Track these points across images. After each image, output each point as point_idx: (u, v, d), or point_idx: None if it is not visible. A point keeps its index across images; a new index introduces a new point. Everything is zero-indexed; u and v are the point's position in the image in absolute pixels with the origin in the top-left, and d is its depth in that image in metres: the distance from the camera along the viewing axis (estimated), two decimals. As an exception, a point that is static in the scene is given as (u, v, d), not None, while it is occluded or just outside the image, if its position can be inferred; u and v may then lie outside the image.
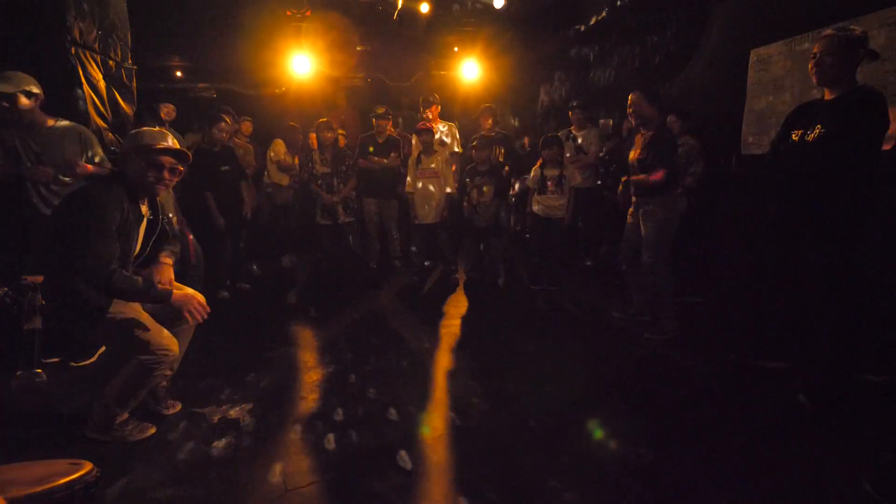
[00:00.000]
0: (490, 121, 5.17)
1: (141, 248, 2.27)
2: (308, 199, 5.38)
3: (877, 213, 2.54)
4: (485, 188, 4.62)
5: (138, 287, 2.01)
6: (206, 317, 2.19)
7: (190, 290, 2.23)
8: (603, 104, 5.87)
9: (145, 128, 2.24)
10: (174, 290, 2.15)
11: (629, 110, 3.35)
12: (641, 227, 3.37)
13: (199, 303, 2.18)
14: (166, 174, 2.14)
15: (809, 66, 2.36)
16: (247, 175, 4.80)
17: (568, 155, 4.91)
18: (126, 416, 2.21)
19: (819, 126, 2.32)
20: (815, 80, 2.37)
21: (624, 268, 3.62)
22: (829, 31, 2.31)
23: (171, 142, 2.18)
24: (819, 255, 2.39)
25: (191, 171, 4.44)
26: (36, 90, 2.82)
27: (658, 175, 3.20)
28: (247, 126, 5.79)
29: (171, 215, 2.52)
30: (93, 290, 1.96)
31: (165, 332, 2.19)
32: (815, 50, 2.33)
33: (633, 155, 3.42)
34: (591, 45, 6.19)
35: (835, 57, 2.25)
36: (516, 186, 5.65)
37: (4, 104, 2.75)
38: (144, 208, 2.22)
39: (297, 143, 5.51)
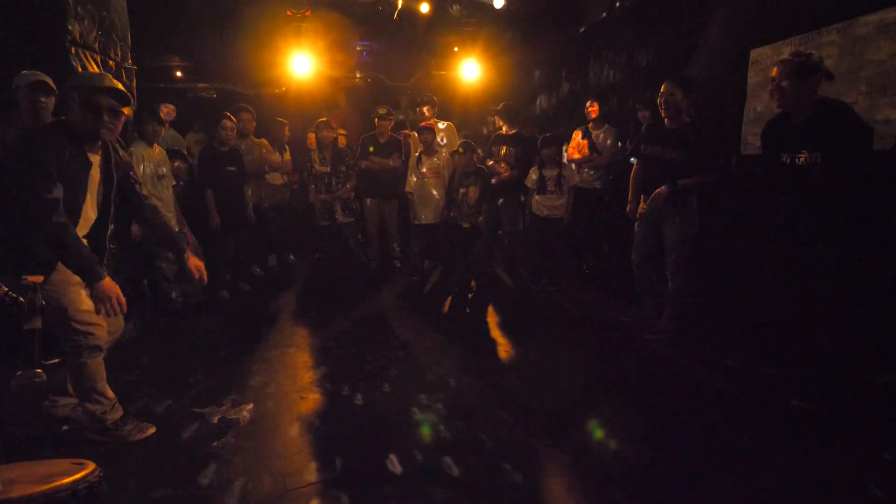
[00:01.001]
0: (502, 122, 5.09)
1: (103, 204, 2.17)
2: (307, 199, 5.38)
3: (877, 213, 2.54)
4: (470, 188, 4.63)
5: (80, 250, 1.92)
6: (115, 314, 2.04)
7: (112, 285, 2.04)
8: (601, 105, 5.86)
9: (84, 71, 2.13)
10: (106, 279, 2.00)
11: (660, 100, 3.19)
12: (665, 235, 3.28)
13: (117, 301, 2.01)
14: (106, 117, 2.03)
15: (769, 89, 2.43)
16: (248, 177, 4.79)
17: (585, 152, 4.82)
18: (119, 414, 2.21)
19: (805, 151, 2.36)
20: (775, 105, 2.44)
21: (636, 272, 3.56)
22: (785, 57, 2.38)
23: (112, 82, 2.07)
24: (820, 256, 2.39)
25: (198, 171, 4.49)
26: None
27: (712, 176, 3.09)
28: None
29: (137, 175, 2.39)
30: (40, 239, 1.88)
31: (86, 307, 2.06)
32: (773, 74, 2.40)
33: (663, 154, 3.22)
34: (590, 46, 6.18)
35: (791, 81, 2.32)
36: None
37: (41, 98, 2.74)
38: (95, 157, 2.11)
39: (283, 140, 5.44)
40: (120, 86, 2.10)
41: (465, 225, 4.69)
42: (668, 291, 3.38)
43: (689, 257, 3.25)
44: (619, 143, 4.87)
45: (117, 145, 2.27)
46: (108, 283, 1.99)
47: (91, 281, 1.97)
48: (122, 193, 2.28)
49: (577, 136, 4.94)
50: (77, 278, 2.05)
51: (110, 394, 2.21)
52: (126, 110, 2.13)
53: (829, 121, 2.28)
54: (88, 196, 2.10)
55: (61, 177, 1.94)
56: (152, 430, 2.26)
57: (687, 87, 3.11)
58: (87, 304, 2.08)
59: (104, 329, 2.15)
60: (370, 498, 1.84)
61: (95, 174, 2.13)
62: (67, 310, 2.01)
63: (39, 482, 1.36)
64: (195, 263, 2.38)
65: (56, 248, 1.90)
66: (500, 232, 5.24)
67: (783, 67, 2.34)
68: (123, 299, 2.05)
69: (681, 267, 3.26)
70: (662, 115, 3.24)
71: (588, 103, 4.91)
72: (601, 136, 4.84)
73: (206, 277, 2.40)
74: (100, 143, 2.16)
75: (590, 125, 4.92)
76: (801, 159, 2.38)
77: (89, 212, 2.13)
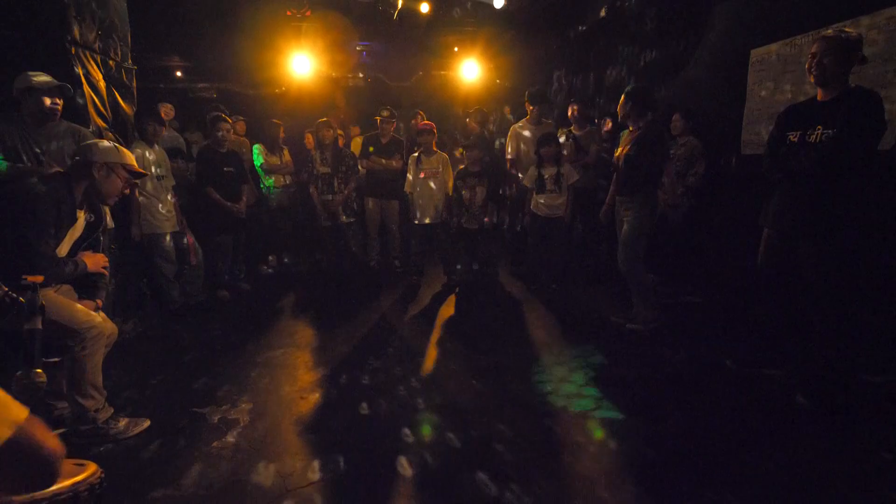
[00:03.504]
0: (475, 125, 5.29)
1: (69, 251, 2.30)
2: (308, 199, 5.38)
3: (877, 213, 2.54)
4: (477, 188, 4.61)
5: (61, 276, 2.16)
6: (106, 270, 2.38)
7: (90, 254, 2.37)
8: (602, 104, 5.87)
9: (100, 140, 2.33)
10: (85, 259, 2.29)
11: (619, 111, 3.45)
12: (625, 223, 3.46)
13: (102, 260, 2.35)
14: (126, 190, 2.30)
15: (807, 65, 2.41)
16: (248, 178, 4.79)
17: (566, 153, 4.89)
18: (109, 412, 2.22)
19: (821, 127, 2.34)
20: (812, 80, 2.42)
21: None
22: (828, 33, 2.36)
23: (130, 159, 2.29)
24: (821, 255, 2.39)
25: (196, 171, 4.49)
26: None
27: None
28: (241, 126, 5.74)
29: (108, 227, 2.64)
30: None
31: (79, 307, 2.22)
32: (812, 50, 2.38)
33: (618, 151, 3.49)
34: (590, 46, 6.19)
35: (833, 58, 2.30)
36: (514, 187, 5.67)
37: (57, 100, 2.83)
38: (82, 213, 2.29)
39: (278, 141, 5.44)
40: (136, 166, 2.32)
41: (473, 227, 4.66)
42: (631, 283, 3.50)
43: (638, 248, 3.38)
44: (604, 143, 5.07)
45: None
46: (90, 260, 2.27)
47: (85, 272, 2.24)
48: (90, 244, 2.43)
49: (560, 137, 5.00)
50: (49, 291, 2.19)
51: (103, 392, 2.25)
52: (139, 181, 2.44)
53: (854, 103, 2.29)
54: (65, 241, 2.24)
55: (56, 230, 2.12)
56: (147, 423, 2.29)
57: (634, 97, 3.37)
58: (69, 305, 2.19)
59: (103, 321, 2.25)
60: (372, 497, 1.84)
61: (78, 226, 2.29)
62: (62, 317, 2.11)
63: None
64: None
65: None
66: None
67: (825, 43, 2.33)
68: (107, 260, 2.37)
69: (629, 257, 3.40)
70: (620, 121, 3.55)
71: (570, 107, 5.08)
72: (584, 136, 5.01)
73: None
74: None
75: (572, 127, 5.07)
76: (813, 136, 2.37)
77: (63, 251, 2.27)
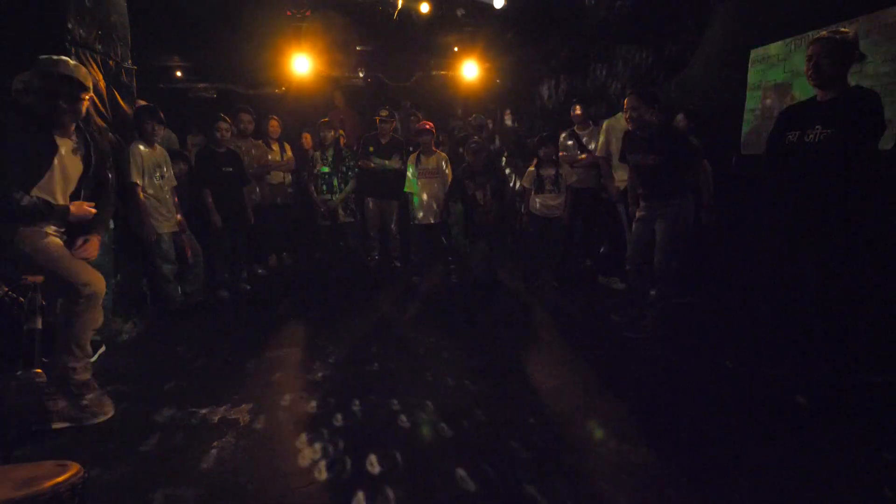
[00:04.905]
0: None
1: (76, 189, 2.23)
2: (307, 198, 5.39)
3: (877, 212, 2.54)
4: (487, 186, 4.62)
5: (42, 209, 2.06)
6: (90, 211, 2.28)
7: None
8: (603, 104, 5.87)
9: (47, 56, 2.15)
10: (71, 207, 2.20)
11: (626, 115, 3.32)
12: (656, 230, 3.34)
13: (87, 205, 2.26)
14: (61, 102, 2.08)
15: (805, 68, 2.40)
16: (248, 178, 4.78)
17: (563, 154, 4.86)
18: (88, 376, 2.22)
19: (819, 127, 2.34)
20: (811, 82, 2.42)
21: (631, 274, 3.58)
22: (824, 34, 2.36)
23: (72, 71, 2.09)
24: (821, 255, 2.39)
25: (195, 171, 4.48)
26: None
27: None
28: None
29: (109, 174, 2.50)
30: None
31: (84, 266, 2.18)
32: (809, 53, 2.38)
33: (644, 160, 3.35)
34: (590, 46, 6.18)
35: (831, 58, 2.31)
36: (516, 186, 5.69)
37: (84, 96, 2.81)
38: (64, 141, 2.16)
39: (276, 135, 5.41)
40: (81, 73, 2.12)
41: (486, 222, 4.66)
42: (655, 293, 3.42)
43: (676, 256, 3.29)
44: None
45: (99, 133, 2.32)
46: (76, 207, 2.19)
47: (65, 216, 2.15)
48: (95, 180, 2.34)
49: (562, 137, 4.99)
50: (58, 241, 2.14)
51: (89, 351, 2.24)
52: (85, 96, 2.19)
53: (853, 102, 2.29)
54: (58, 178, 2.14)
55: (21, 157, 1.99)
56: (111, 412, 2.29)
57: (649, 100, 3.25)
58: (73, 262, 2.15)
59: (101, 281, 2.21)
60: (372, 497, 1.84)
61: (66, 159, 2.16)
62: (63, 268, 2.09)
63: (21, 486, 1.34)
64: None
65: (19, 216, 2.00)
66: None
67: (821, 45, 2.33)
68: (91, 210, 2.26)
69: (667, 267, 3.30)
70: (630, 126, 3.37)
71: (572, 107, 5.03)
72: (585, 136, 4.94)
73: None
74: (73, 127, 2.20)
75: (575, 127, 5.01)
76: (812, 136, 2.37)
77: (58, 195, 2.17)
